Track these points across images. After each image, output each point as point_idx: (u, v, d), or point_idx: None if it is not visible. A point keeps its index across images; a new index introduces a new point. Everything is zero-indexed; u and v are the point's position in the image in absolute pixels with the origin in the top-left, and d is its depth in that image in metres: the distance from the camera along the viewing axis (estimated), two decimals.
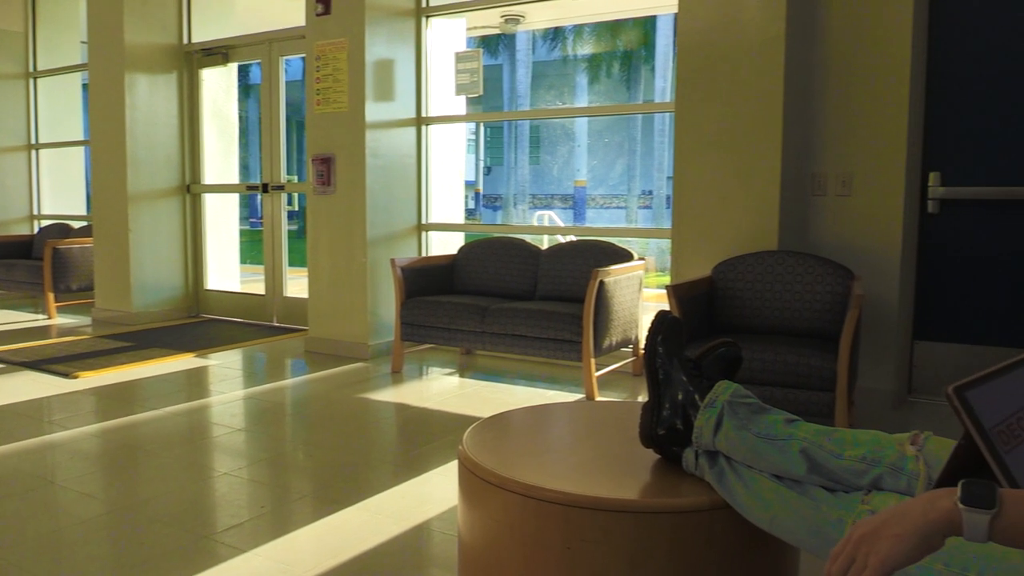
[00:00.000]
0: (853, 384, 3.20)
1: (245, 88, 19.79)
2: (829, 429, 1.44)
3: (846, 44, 3.76)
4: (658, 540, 1.50)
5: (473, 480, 1.67)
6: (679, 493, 1.53)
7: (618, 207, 23.12)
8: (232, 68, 6.55)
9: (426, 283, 4.66)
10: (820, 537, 1.32)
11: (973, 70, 3.68)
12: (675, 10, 3.93)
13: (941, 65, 3.73)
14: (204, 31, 6.40)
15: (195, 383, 4.29)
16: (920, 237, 3.82)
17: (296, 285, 6.14)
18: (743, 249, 3.72)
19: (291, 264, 6.30)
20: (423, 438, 3.37)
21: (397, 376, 4.47)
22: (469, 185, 22.49)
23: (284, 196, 6.08)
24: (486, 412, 3.53)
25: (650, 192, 21.22)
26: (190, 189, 6.45)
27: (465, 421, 3.51)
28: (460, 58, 5.18)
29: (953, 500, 0.81)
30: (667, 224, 4.04)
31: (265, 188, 6.02)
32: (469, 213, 21.38)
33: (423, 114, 5.29)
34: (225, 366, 4.71)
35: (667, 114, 3.71)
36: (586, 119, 23.47)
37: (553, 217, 18.88)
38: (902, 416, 3.65)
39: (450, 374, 4.57)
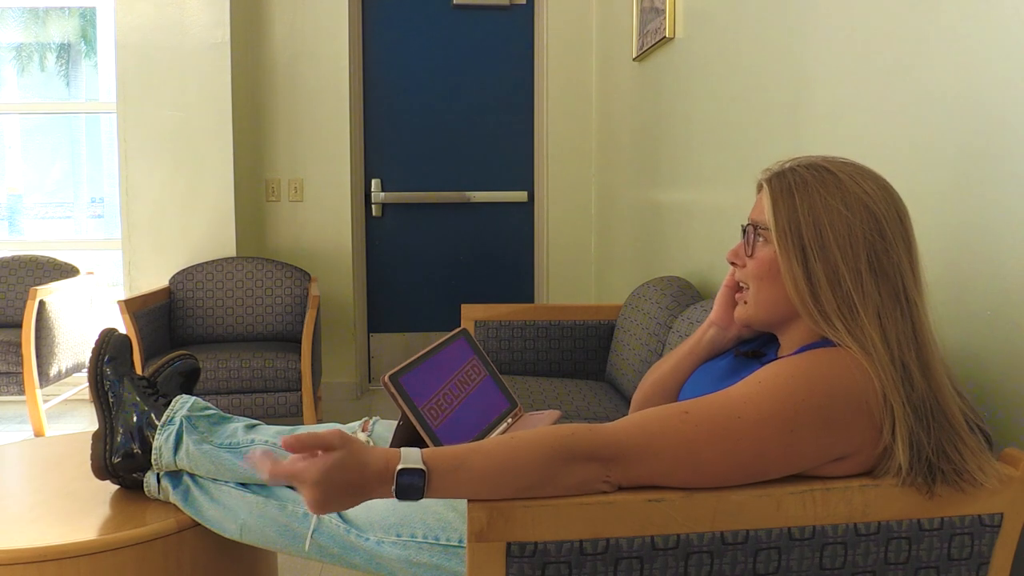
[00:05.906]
0: (318, 381, 3.38)
1: None
2: (290, 429, 1.50)
3: (291, 58, 3.91)
4: None
5: None
6: (143, 522, 1.45)
7: (64, 217, 20.78)
8: None
9: None
10: (290, 534, 1.37)
11: (399, 93, 4.11)
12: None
13: (375, 89, 4.10)
14: None
15: None
16: (367, 238, 4.16)
17: None
18: (201, 257, 3.64)
19: None
20: None
21: None
22: None
23: None
24: None
25: (102, 199, 19.51)
26: None
27: None
28: None
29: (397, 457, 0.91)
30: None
31: None
32: None
33: None
34: None
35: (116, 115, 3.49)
36: (17, 116, 20.57)
37: None
38: (364, 404, 3.94)
39: None
